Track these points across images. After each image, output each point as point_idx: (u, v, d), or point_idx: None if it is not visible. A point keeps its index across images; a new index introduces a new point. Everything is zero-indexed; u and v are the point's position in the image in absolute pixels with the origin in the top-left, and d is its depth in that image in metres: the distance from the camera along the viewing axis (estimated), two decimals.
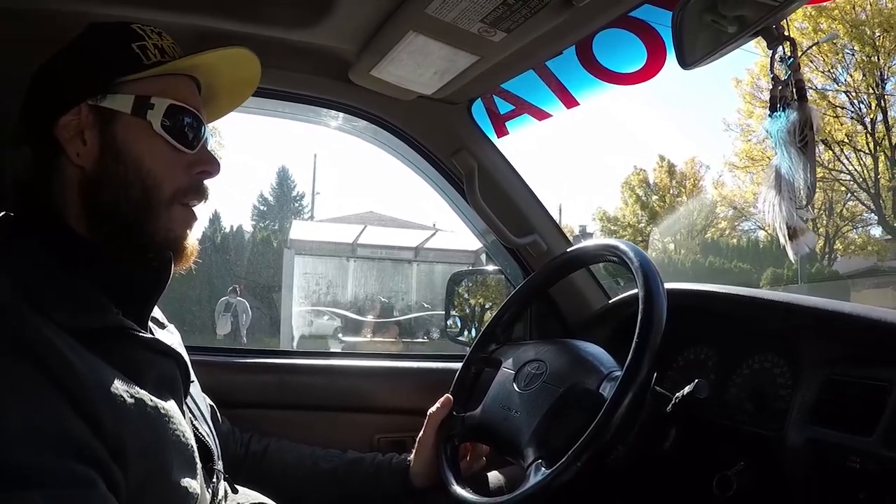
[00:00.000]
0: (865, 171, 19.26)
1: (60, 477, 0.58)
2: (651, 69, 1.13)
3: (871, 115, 18.85)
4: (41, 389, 0.61)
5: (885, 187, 19.02)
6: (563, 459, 0.88)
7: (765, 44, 0.83)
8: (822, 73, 18.93)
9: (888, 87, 18.63)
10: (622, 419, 0.86)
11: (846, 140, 19.13)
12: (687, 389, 0.93)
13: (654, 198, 26.06)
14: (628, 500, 1.13)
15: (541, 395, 1.05)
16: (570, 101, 1.31)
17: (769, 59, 0.83)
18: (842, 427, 0.86)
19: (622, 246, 1.06)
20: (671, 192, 26.17)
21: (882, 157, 18.85)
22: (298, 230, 17.90)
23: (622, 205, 26.62)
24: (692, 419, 0.98)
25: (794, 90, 0.84)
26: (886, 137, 18.71)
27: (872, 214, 20.25)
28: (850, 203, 20.94)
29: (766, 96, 0.99)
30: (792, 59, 0.81)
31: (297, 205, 34.81)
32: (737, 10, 0.81)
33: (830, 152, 19.11)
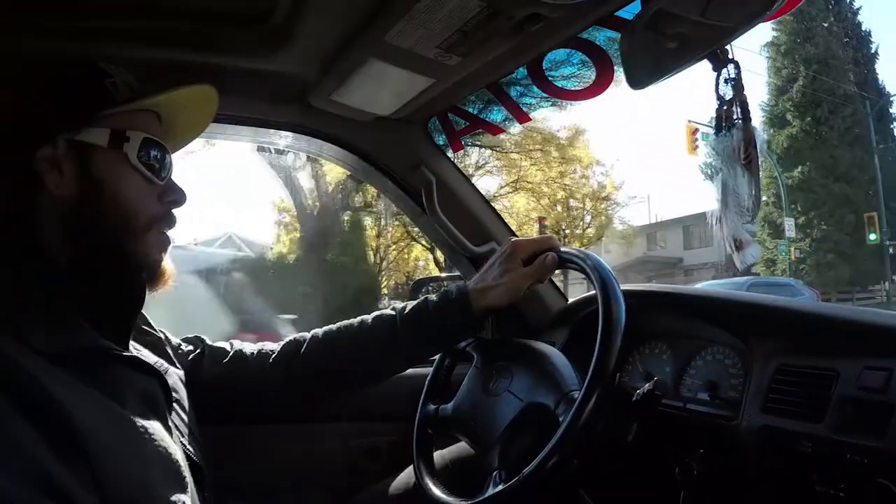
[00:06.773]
0: None
1: None
2: (600, 86, 1.18)
3: None
4: (15, 423, 0.61)
5: None
6: (517, 478, 0.89)
7: None
8: None
9: None
10: (575, 441, 0.87)
11: None
12: (647, 387, 0.96)
13: None
14: (594, 491, 1.16)
15: (505, 403, 1.06)
16: (522, 117, 1.36)
17: (714, 80, 0.89)
18: (793, 414, 0.93)
19: (579, 254, 1.10)
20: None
21: None
22: None
23: None
24: (652, 413, 1.01)
25: (740, 110, 0.90)
26: None
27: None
28: None
29: None
30: (736, 81, 0.88)
31: None
32: (685, 34, 0.87)
33: None
